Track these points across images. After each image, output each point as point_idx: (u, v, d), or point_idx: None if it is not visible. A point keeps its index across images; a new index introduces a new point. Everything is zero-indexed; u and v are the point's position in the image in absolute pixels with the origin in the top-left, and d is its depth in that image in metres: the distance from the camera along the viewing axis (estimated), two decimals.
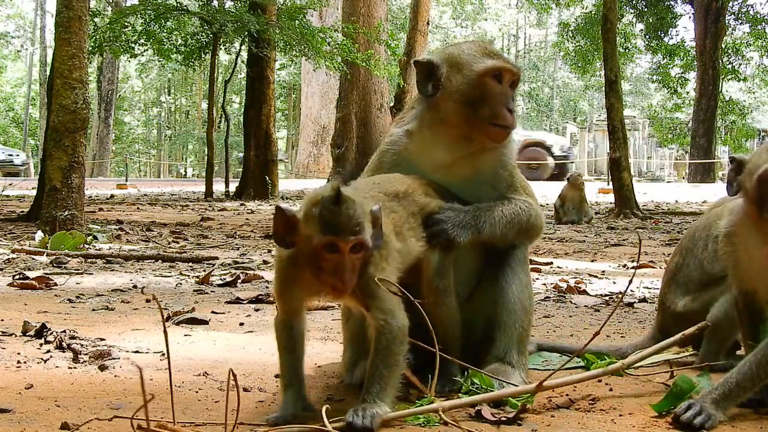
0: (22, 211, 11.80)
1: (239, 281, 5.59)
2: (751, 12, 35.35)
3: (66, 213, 8.32)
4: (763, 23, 34.98)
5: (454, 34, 67.98)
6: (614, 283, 5.99)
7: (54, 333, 3.41)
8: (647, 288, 5.66)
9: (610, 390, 2.83)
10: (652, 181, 40.78)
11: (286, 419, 2.35)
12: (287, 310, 2.53)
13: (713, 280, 3.16)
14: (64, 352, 3.22)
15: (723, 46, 33.73)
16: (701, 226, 3.29)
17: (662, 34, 35.49)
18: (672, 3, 35.60)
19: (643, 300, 5.15)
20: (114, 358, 3.11)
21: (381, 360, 2.38)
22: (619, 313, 4.59)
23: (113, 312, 4.29)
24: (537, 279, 5.97)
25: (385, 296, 2.43)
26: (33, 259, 6.78)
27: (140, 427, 2.08)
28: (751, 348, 2.63)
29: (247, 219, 13.11)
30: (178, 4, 19.36)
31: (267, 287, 5.36)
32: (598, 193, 22.93)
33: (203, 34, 20.76)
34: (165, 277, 5.87)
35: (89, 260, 6.74)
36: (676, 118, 41.42)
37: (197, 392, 2.73)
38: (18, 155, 40.91)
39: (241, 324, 4.00)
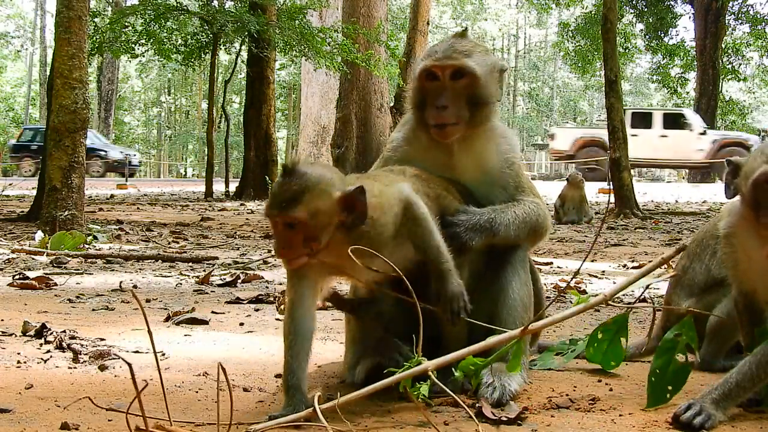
0: (22, 211, 11.80)
1: (239, 281, 5.59)
2: (751, 12, 35.38)
3: (66, 213, 8.32)
4: (763, 23, 35.01)
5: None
6: (614, 283, 5.98)
7: (54, 333, 3.41)
8: (647, 288, 5.64)
9: (610, 390, 2.83)
10: (652, 181, 40.77)
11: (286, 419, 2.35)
12: (293, 298, 2.52)
13: (717, 283, 3.17)
14: (64, 352, 3.22)
15: (723, 46, 33.75)
16: (709, 233, 3.28)
17: (662, 34, 35.51)
18: (672, 3, 35.63)
19: (643, 300, 5.15)
20: (114, 358, 3.11)
21: None
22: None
23: (113, 312, 4.29)
24: None
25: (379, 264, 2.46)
26: (33, 259, 6.78)
27: (138, 428, 2.08)
28: (751, 348, 2.63)
29: (247, 219, 13.11)
30: (178, 4, 19.37)
31: (267, 287, 5.36)
32: (598, 193, 22.92)
33: (203, 34, 20.77)
34: (165, 277, 5.87)
35: (89, 260, 6.74)
36: None
37: (197, 392, 2.73)
38: (134, 155, 40.50)
39: (241, 324, 4.00)
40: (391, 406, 2.53)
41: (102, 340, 3.45)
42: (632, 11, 35.44)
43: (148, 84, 65.35)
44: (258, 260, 6.54)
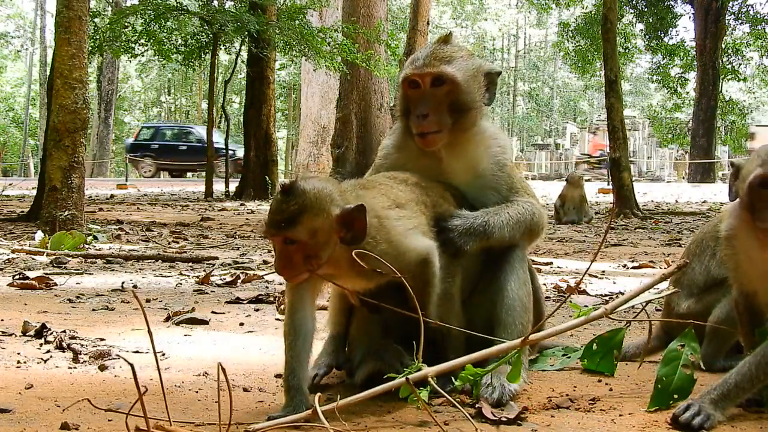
0: (22, 211, 11.81)
1: (239, 281, 5.59)
2: (751, 12, 35.36)
3: (66, 213, 8.32)
4: (763, 23, 34.98)
5: (454, 34, 67.97)
6: (614, 283, 5.99)
7: (54, 333, 3.41)
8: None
9: (610, 390, 2.83)
10: (652, 181, 40.78)
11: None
12: (292, 302, 2.53)
13: (717, 283, 3.17)
14: (64, 352, 3.22)
15: (723, 46, 33.74)
16: (709, 234, 3.28)
17: (662, 34, 35.50)
18: (672, 3, 35.62)
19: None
20: (114, 358, 3.11)
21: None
22: (619, 313, 4.58)
23: (113, 312, 4.28)
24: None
25: (385, 266, 2.47)
26: (33, 259, 6.78)
27: (138, 428, 2.09)
28: (750, 349, 2.63)
29: (247, 219, 13.11)
30: (178, 4, 19.37)
31: (267, 287, 5.36)
32: (598, 193, 22.92)
33: (203, 34, 20.77)
34: (165, 277, 5.87)
35: (89, 260, 6.74)
36: (676, 118, 41.45)
37: (197, 392, 2.73)
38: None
39: (241, 324, 4.00)
40: (391, 407, 2.53)
41: (102, 340, 3.45)
42: (632, 11, 35.42)
43: (148, 84, 65.34)
44: (264, 268, 6.54)
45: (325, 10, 29.00)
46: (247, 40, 19.56)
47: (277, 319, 4.14)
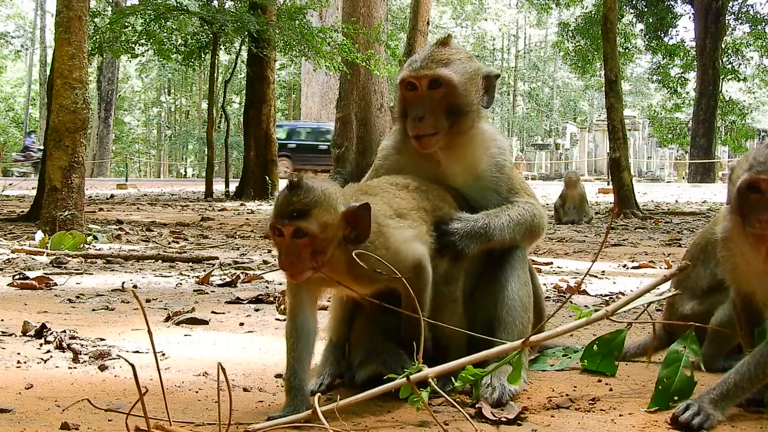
0: (22, 211, 11.81)
1: (239, 281, 5.59)
2: (751, 12, 35.36)
3: (66, 213, 8.32)
4: (763, 23, 34.99)
5: (454, 34, 67.99)
6: (614, 283, 5.99)
7: (54, 333, 3.41)
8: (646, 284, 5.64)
9: (610, 390, 2.83)
10: (652, 181, 40.77)
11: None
12: (293, 304, 2.53)
13: (721, 286, 3.17)
14: (64, 352, 3.22)
15: (723, 46, 33.74)
16: (712, 240, 3.27)
17: (662, 34, 35.51)
18: (672, 3, 35.63)
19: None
20: (114, 358, 3.11)
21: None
22: (620, 314, 4.59)
23: (113, 312, 4.29)
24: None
25: (377, 275, 2.47)
26: (33, 259, 6.78)
27: (138, 428, 2.09)
28: (749, 349, 2.63)
29: (247, 219, 13.12)
30: (178, 4, 19.37)
31: (267, 287, 5.36)
32: (598, 193, 22.93)
33: (203, 34, 20.77)
34: (165, 277, 5.87)
35: (89, 260, 6.74)
36: (676, 118, 41.44)
37: (197, 392, 2.73)
38: None
39: (241, 324, 4.00)
40: (391, 407, 2.53)
41: (102, 340, 3.45)
42: (632, 11, 35.43)
43: (148, 84, 65.36)
44: (264, 268, 6.54)
45: (325, 10, 29.02)
46: (247, 40, 19.56)
47: (277, 319, 4.14)
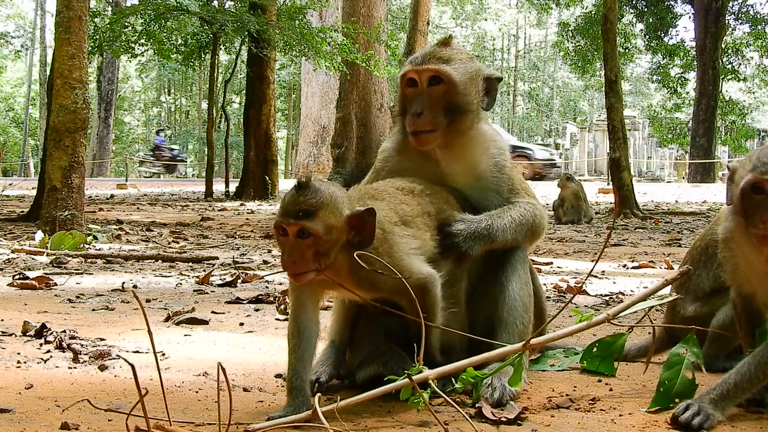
0: (22, 211, 11.81)
1: (239, 281, 5.58)
2: (751, 12, 35.35)
3: (66, 213, 8.32)
4: (763, 23, 34.97)
5: (454, 34, 67.97)
6: (614, 283, 5.99)
7: (54, 333, 3.41)
8: (647, 288, 5.65)
9: (610, 390, 2.83)
10: (652, 181, 40.76)
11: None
12: (295, 306, 2.53)
13: (724, 288, 3.17)
14: (64, 352, 3.22)
15: (723, 46, 33.72)
16: (713, 242, 3.27)
17: (662, 34, 35.50)
18: (672, 3, 35.61)
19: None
20: (114, 358, 3.11)
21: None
22: (620, 316, 4.59)
23: (113, 312, 4.29)
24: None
25: (383, 281, 2.47)
26: (33, 259, 6.78)
27: (138, 428, 2.09)
28: (750, 349, 2.63)
29: (247, 219, 13.11)
30: (178, 4, 19.35)
31: (267, 287, 5.36)
32: (598, 193, 22.92)
33: (203, 34, 20.77)
34: (165, 277, 5.87)
35: (89, 260, 6.74)
36: (676, 118, 41.42)
37: (197, 392, 2.73)
38: (554, 153, 36.71)
39: (241, 324, 4.00)
40: (391, 407, 2.53)
41: (102, 340, 3.45)
42: (632, 11, 35.42)
43: (148, 84, 65.35)
44: (264, 268, 6.54)
45: (325, 10, 29.01)
46: (247, 40, 19.56)
47: (277, 319, 4.14)
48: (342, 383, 2.85)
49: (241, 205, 17.44)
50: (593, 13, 33.34)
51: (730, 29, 35.41)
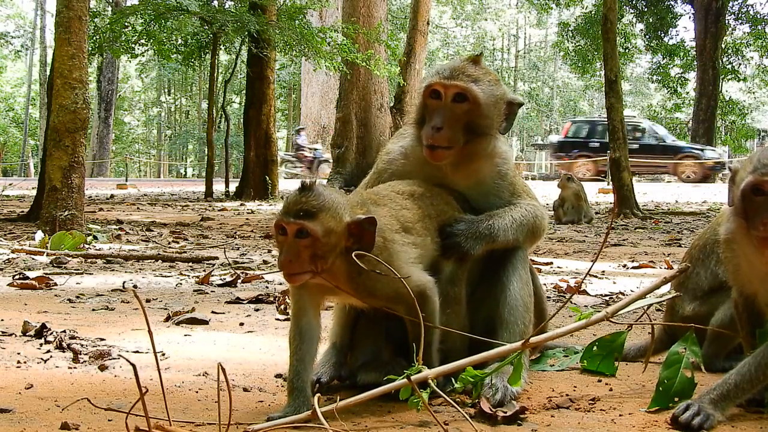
0: (22, 211, 11.81)
1: (239, 281, 5.58)
2: (751, 12, 35.37)
3: (66, 213, 8.32)
4: (763, 23, 34.99)
5: (454, 34, 67.98)
6: (614, 283, 5.99)
7: (54, 333, 3.41)
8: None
9: (610, 390, 2.83)
10: (652, 181, 40.75)
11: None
12: (296, 309, 2.54)
13: (722, 287, 3.17)
14: (64, 352, 3.22)
15: (723, 46, 33.73)
16: (712, 240, 3.28)
17: (662, 34, 35.52)
18: (672, 3, 35.64)
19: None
20: (114, 358, 3.11)
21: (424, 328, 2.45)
22: (620, 315, 4.59)
23: (113, 312, 4.29)
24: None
25: (381, 289, 2.48)
26: (33, 259, 6.78)
27: (138, 428, 2.09)
28: (750, 350, 2.63)
29: (247, 219, 13.11)
30: (178, 4, 19.35)
31: (267, 287, 5.36)
32: (598, 193, 22.91)
33: (203, 34, 20.77)
34: (165, 277, 5.87)
35: (89, 260, 6.74)
36: (676, 118, 41.44)
37: (197, 392, 2.73)
38: (722, 154, 34.22)
39: (241, 324, 4.00)
40: (391, 407, 2.53)
41: (102, 340, 3.45)
42: (632, 11, 35.45)
43: (148, 84, 65.34)
44: (264, 268, 6.53)
45: (325, 10, 29.02)
46: (247, 40, 19.55)
47: (277, 319, 4.14)
48: (342, 384, 2.85)
49: (241, 205, 17.44)
50: (593, 13, 33.37)
51: (730, 29, 35.43)
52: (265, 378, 2.94)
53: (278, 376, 2.95)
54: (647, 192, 23.84)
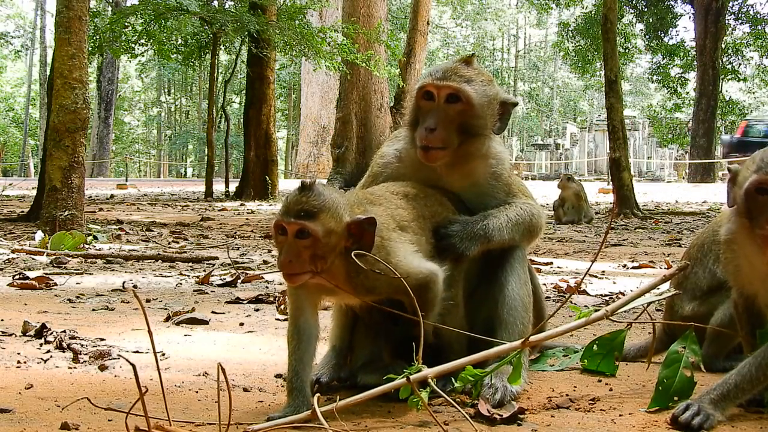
0: (22, 211, 11.81)
1: (239, 281, 5.58)
2: (751, 12, 35.36)
3: (66, 213, 8.32)
4: (763, 23, 34.98)
5: (454, 34, 68.00)
6: (614, 283, 5.99)
7: (54, 333, 3.41)
8: (649, 305, 5.64)
9: (610, 390, 2.83)
10: (652, 181, 40.76)
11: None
12: (294, 309, 2.54)
13: (721, 286, 3.17)
14: (64, 352, 3.22)
15: (723, 46, 33.73)
16: (710, 239, 3.28)
17: (662, 34, 35.53)
18: (672, 3, 35.64)
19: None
20: (114, 358, 3.11)
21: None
22: (619, 314, 4.59)
23: (113, 312, 4.29)
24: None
25: (380, 286, 2.48)
26: (33, 259, 6.77)
27: (138, 428, 2.09)
28: (751, 350, 2.63)
29: (247, 219, 13.11)
30: (178, 4, 19.35)
31: (267, 287, 5.36)
32: (598, 193, 22.92)
33: (203, 34, 20.78)
34: (165, 277, 5.86)
35: (89, 260, 6.74)
36: (676, 118, 41.44)
37: (197, 392, 2.73)
38: None
39: (241, 324, 4.00)
40: (391, 407, 2.53)
41: (102, 340, 3.45)
42: (632, 11, 35.44)
43: (148, 84, 65.37)
44: (264, 268, 6.53)
45: (325, 10, 29.02)
46: (247, 40, 19.56)
47: (277, 319, 4.14)
48: (342, 384, 2.85)
49: (241, 205, 17.44)
50: (593, 13, 33.37)
51: (730, 29, 35.43)
52: (265, 378, 2.94)
53: (278, 376, 2.95)
54: (647, 192, 23.86)
